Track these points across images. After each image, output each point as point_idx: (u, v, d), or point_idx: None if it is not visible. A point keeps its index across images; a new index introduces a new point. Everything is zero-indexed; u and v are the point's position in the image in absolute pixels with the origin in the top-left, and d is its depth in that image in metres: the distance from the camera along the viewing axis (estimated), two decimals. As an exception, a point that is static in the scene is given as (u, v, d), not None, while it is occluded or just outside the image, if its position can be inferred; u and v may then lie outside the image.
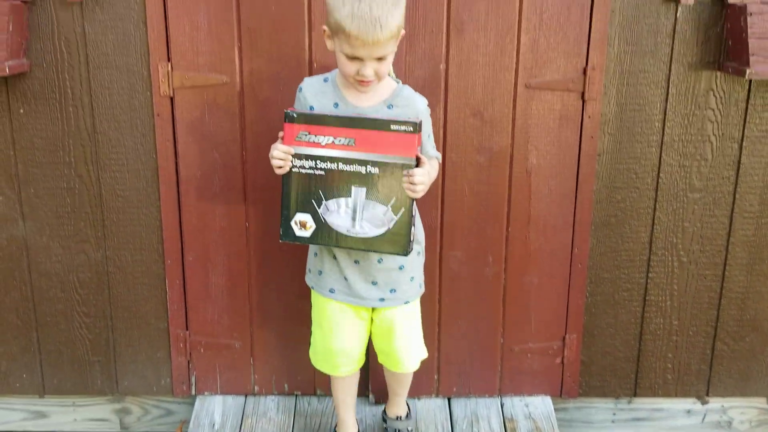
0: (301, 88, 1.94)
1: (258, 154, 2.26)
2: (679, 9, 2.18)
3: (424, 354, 2.15)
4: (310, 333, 2.43)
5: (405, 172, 1.80)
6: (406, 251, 1.88)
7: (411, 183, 1.80)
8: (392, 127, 1.78)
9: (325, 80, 1.93)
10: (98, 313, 2.44)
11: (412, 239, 1.88)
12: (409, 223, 1.85)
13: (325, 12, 1.82)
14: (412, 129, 1.78)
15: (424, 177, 1.82)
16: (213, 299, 2.42)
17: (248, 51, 2.18)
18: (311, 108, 1.90)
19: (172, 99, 2.23)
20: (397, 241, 1.86)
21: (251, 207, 2.32)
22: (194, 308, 2.43)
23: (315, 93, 1.91)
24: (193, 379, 2.49)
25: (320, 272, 2.04)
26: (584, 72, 2.21)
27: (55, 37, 2.18)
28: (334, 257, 2.00)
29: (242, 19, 2.15)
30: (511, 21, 2.16)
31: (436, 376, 2.48)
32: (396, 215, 1.84)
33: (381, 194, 1.83)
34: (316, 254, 2.06)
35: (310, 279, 2.10)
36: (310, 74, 2.19)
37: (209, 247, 2.36)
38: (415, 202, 1.86)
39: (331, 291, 2.03)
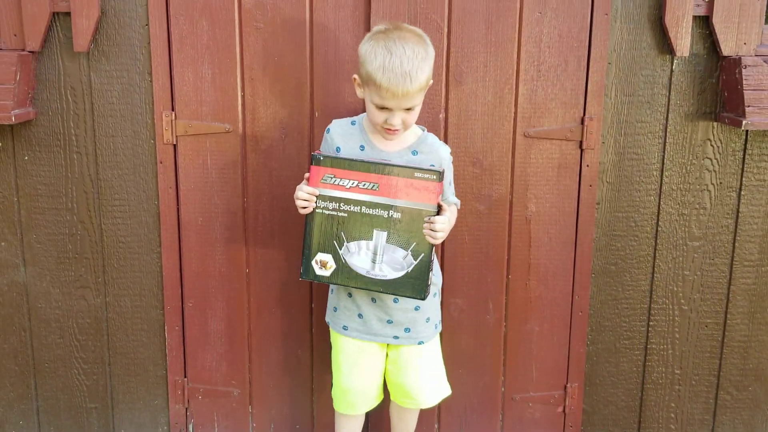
0: (329, 130, 2.00)
1: (259, 201, 2.28)
2: (675, 61, 2.21)
3: (446, 391, 2.14)
4: (309, 380, 2.42)
5: (426, 218, 1.84)
6: (423, 295, 1.91)
7: (432, 230, 1.84)
8: (416, 174, 1.83)
9: (353, 123, 2.00)
10: (97, 360, 2.43)
11: (429, 284, 1.91)
12: (428, 268, 1.89)
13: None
14: (435, 177, 1.82)
15: (445, 225, 1.86)
16: (212, 346, 2.41)
17: (251, 100, 2.21)
18: (338, 149, 1.96)
19: (175, 146, 2.25)
20: (415, 286, 1.89)
21: (252, 253, 2.33)
22: (193, 355, 2.42)
23: (342, 135, 1.97)
24: (190, 427, 2.46)
25: (335, 309, 2.08)
26: (582, 122, 2.24)
27: (61, 86, 2.22)
28: (350, 295, 2.03)
29: (245, 69, 2.19)
30: (509, 72, 2.20)
31: (436, 425, 2.46)
32: (415, 260, 1.88)
33: (402, 239, 1.87)
34: (332, 291, 2.09)
35: (328, 315, 2.13)
36: (312, 123, 2.23)
37: (209, 294, 2.36)
38: (433, 248, 1.90)
39: (345, 328, 2.05)
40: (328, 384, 2.41)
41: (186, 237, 2.32)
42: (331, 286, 2.11)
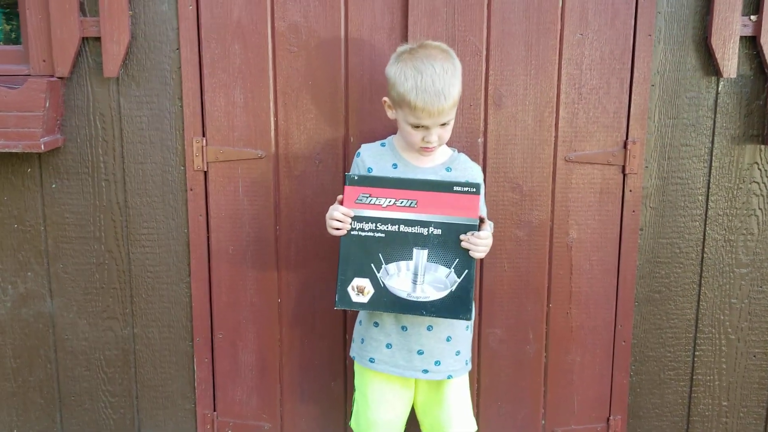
0: (359, 153, 1.97)
1: (291, 228, 2.21)
2: (721, 82, 2.15)
3: (474, 428, 2.05)
4: (343, 415, 2.34)
5: (469, 233, 1.78)
6: (469, 314, 1.81)
7: (475, 243, 1.78)
8: (455, 188, 1.78)
9: (383, 145, 1.97)
10: (124, 393, 2.36)
11: (471, 301, 1.82)
12: (472, 285, 1.81)
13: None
14: (474, 190, 1.77)
15: (489, 238, 1.81)
16: (242, 378, 2.33)
17: (284, 125, 2.16)
18: (369, 169, 1.91)
19: (205, 173, 2.20)
20: (460, 305, 1.81)
21: (284, 283, 2.26)
22: (222, 388, 2.34)
23: (373, 155, 1.94)
24: (219, 463, 2.39)
25: (362, 340, 1.98)
26: (625, 145, 2.17)
27: (90, 113, 2.17)
28: (376, 324, 1.94)
29: (278, 93, 2.14)
30: (550, 95, 2.14)
31: (473, 460, 2.37)
32: (459, 277, 1.80)
33: (443, 256, 1.80)
34: (360, 322, 2.01)
35: (353, 349, 2.04)
36: (346, 149, 2.17)
37: (240, 325, 2.29)
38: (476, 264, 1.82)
39: (371, 360, 1.96)
40: (362, 417, 2.34)
41: (216, 266, 2.25)
42: (359, 318, 2.03)
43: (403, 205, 1.80)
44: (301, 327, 2.29)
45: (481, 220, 1.81)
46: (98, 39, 2.11)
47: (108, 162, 2.21)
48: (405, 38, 2.09)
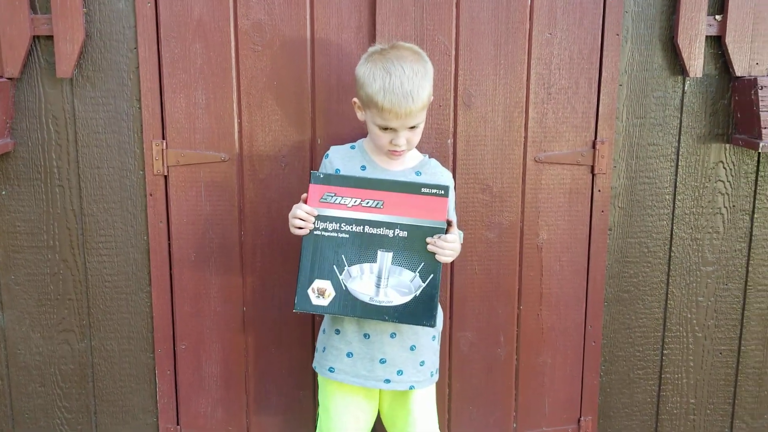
0: (327, 155, 1.91)
1: (257, 234, 2.14)
2: (687, 82, 2.16)
3: None
4: (311, 423, 2.28)
5: (435, 236, 1.73)
6: (432, 321, 1.76)
7: (441, 247, 1.73)
8: (423, 190, 1.73)
9: (352, 147, 1.92)
10: (81, 408, 2.25)
11: (437, 309, 1.77)
12: (437, 290, 1.76)
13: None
14: (443, 192, 1.73)
15: (456, 243, 1.76)
16: (206, 390, 2.25)
17: (248, 127, 2.09)
18: (337, 171, 1.86)
19: (166, 178, 2.11)
20: (424, 311, 1.75)
21: (249, 290, 2.18)
22: (186, 401, 2.25)
23: (341, 157, 1.89)
24: (183, 478, 2.30)
25: (324, 349, 1.91)
26: (594, 145, 2.16)
27: (42, 115, 2.07)
28: (338, 332, 1.87)
29: (242, 94, 2.07)
30: (519, 95, 2.12)
31: (446, 466, 2.34)
32: (424, 282, 1.75)
33: (409, 259, 1.74)
34: (324, 331, 1.94)
35: (315, 359, 1.96)
36: (313, 151, 2.11)
37: (203, 334, 2.21)
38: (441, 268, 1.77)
39: (330, 370, 1.88)
40: (332, 426, 2.28)
41: (178, 274, 2.17)
42: (322, 326, 1.96)
43: (368, 205, 1.75)
44: (267, 336, 2.21)
45: (449, 224, 1.76)
46: (50, 38, 2.00)
47: (62, 167, 2.10)
48: (373, 38, 2.04)
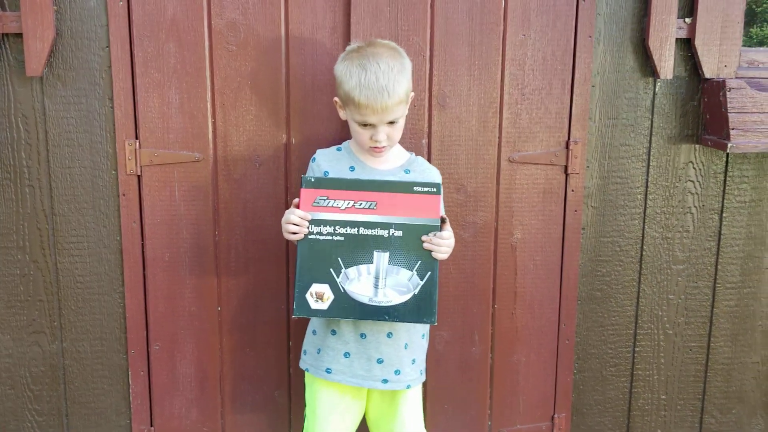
0: (314, 158, 1.91)
1: (231, 234, 2.13)
2: (658, 83, 2.19)
3: None
4: (287, 423, 2.28)
5: (431, 234, 1.74)
6: (433, 317, 1.78)
7: (437, 244, 1.74)
8: (415, 188, 1.74)
9: (339, 149, 1.93)
10: (52, 411, 2.22)
11: (435, 304, 1.78)
12: (436, 287, 1.77)
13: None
14: (435, 190, 1.74)
15: (451, 239, 1.78)
16: (181, 391, 2.23)
17: (222, 127, 2.07)
18: (326, 173, 1.86)
19: (139, 177, 2.09)
20: (424, 307, 1.77)
21: (224, 290, 2.17)
22: (160, 402, 2.23)
23: (329, 160, 1.89)
24: (157, 480, 2.28)
25: (319, 350, 1.91)
26: (567, 146, 2.19)
27: (11, 114, 2.03)
28: (334, 332, 1.87)
29: (216, 94, 2.05)
30: (494, 95, 2.13)
31: (421, 465, 2.34)
32: (422, 280, 1.76)
33: (405, 258, 1.75)
34: (315, 332, 1.94)
35: (305, 361, 1.96)
36: (288, 151, 2.10)
37: (177, 335, 2.19)
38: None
39: (328, 371, 1.88)
40: (307, 426, 2.28)
41: (151, 275, 2.15)
42: (311, 327, 1.97)
43: (362, 207, 1.75)
44: (242, 336, 2.20)
45: (443, 221, 1.78)
46: (19, 35, 1.97)
47: (32, 167, 2.07)
48: (347, 38, 2.04)
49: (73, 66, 2.02)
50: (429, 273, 1.76)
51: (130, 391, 2.22)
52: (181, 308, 2.17)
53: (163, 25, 2.00)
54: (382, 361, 1.87)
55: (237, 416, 2.26)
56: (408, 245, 1.75)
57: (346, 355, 1.87)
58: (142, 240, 2.13)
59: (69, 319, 2.17)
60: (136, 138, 2.06)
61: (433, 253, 1.76)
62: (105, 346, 2.19)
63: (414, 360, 1.92)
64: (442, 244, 1.76)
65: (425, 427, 2.02)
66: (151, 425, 2.24)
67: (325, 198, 1.75)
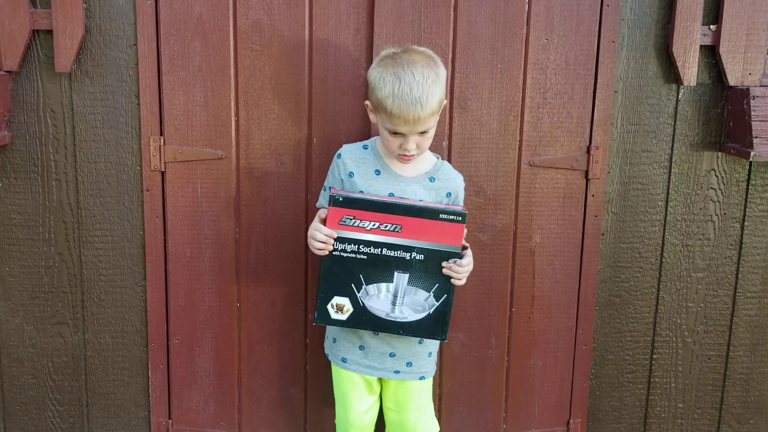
0: (339, 155, 1.92)
1: (252, 231, 2.16)
2: (681, 90, 2.18)
3: (437, 428, 2.05)
4: (302, 419, 2.30)
5: (451, 260, 1.79)
6: (444, 335, 1.86)
7: (457, 272, 1.80)
8: (441, 216, 1.77)
9: (365, 147, 1.92)
10: (73, 401, 2.26)
11: (447, 324, 1.85)
12: (450, 308, 1.83)
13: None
14: (460, 219, 1.77)
15: (471, 266, 1.83)
16: (199, 385, 2.26)
17: (245, 125, 2.10)
18: (351, 174, 1.87)
19: (163, 173, 2.12)
20: (436, 327, 1.84)
21: (243, 287, 2.20)
22: (178, 395, 2.27)
23: (355, 159, 1.90)
24: (174, 472, 2.31)
25: (334, 340, 1.98)
26: (588, 151, 2.18)
27: (40, 109, 2.08)
28: None
29: (240, 92, 2.08)
30: (515, 99, 2.13)
31: (435, 465, 2.35)
32: (437, 301, 1.82)
33: (424, 281, 1.81)
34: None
35: (327, 346, 2.04)
36: (309, 150, 2.12)
37: (197, 329, 2.22)
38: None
39: (343, 360, 1.96)
40: (323, 422, 2.30)
41: (173, 269, 2.18)
42: None
43: (387, 229, 1.78)
44: (260, 332, 2.23)
45: (463, 248, 1.82)
46: (50, 32, 2.02)
47: (59, 161, 2.11)
48: (371, 39, 2.06)
49: (101, 63, 2.06)
50: (445, 296, 1.82)
51: (150, 383, 2.25)
52: (200, 303, 2.20)
53: (190, 24, 2.04)
54: (395, 355, 1.92)
55: (253, 411, 2.28)
56: (428, 269, 1.80)
57: (361, 347, 1.93)
58: (165, 235, 2.16)
59: (91, 311, 2.20)
60: (161, 135, 2.10)
61: (452, 279, 1.81)
62: (126, 338, 2.23)
63: (430, 353, 1.98)
64: (462, 272, 1.80)
65: (439, 426, 2.05)
66: (169, 417, 2.28)
67: (352, 218, 1.78)
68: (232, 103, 2.09)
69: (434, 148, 2.12)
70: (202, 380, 2.26)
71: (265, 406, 2.29)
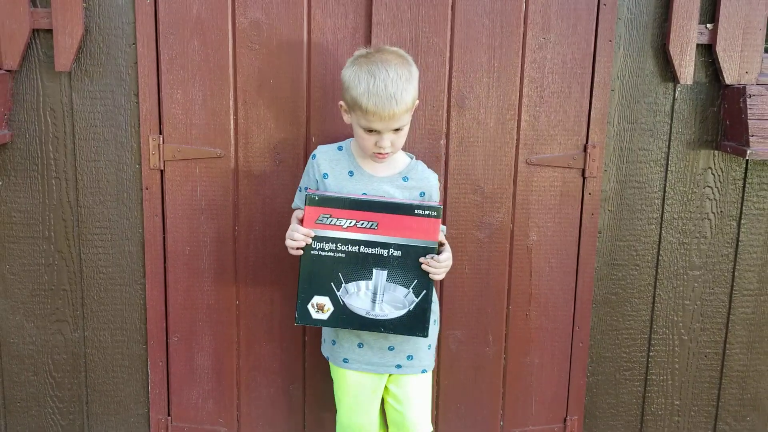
0: (314, 156, 1.93)
1: (251, 229, 2.17)
2: (678, 89, 2.19)
3: (430, 429, 2.06)
4: (301, 417, 2.31)
5: (429, 255, 1.80)
6: (425, 332, 1.86)
7: (434, 267, 1.80)
8: (416, 211, 1.78)
9: (339, 149, 1.94)
10: (73, 398, 2.28)
11: (428, 320, 1.86)
12: (430, 304, 1.84)
13: (339, 87, 1.83)
14: (435, 214, 1.78)
15: (449, 261, 1.84)
16: (198, 382, 2.28)
17: (244, 124, 2.11)
18: (325, 175, 1.89)
19: (162, 172, 2.13)
20: (416, 324, 1.85)
21: (242, 285, 2.21)
22: (177, 392, 2.28)
23: (329, 160, 1.91)
24: (173, 469, 2.33)
25: (334, 342, 1.99)
26: (585, 149, 2.19)
27: (40, 108, 2.09)
28: None
29: (239, 91, 2.09)
30: (512, 97, 2.14)
31: (432, 462, 2.37)
32: (417, 297, 1.83)
33: (403, 277, 1.82)
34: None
35: (325, 349, 2.04)
36: (307, 149, 2.13)
37: (196, 327, 2.24)
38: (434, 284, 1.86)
39: (345, 361, 1.97)
40: (321, 421, 2.31)
41: (172, 267, 2.19)
42: None
43: (363, 226, 1.80)
44: (258, 330, 2.24)
45: (440, 244, 1.83)
46: (50, 31, 2.03)
47: (59, 159, 2.12)
48: (369, 39, 2.07)
49: (100, 62, 2.07)
50: (424, 292, 1.83)
51: (149, 380, 2.27)
52: (199, 301, 2.22)
53: (189, 23, 2.05)
54: (393, 348, 1.94)
55: (252, 409, 2.30)
56: (406, 265, 1.81)
57: (360, 345, 1.94)
58: (164, 233, 2.17)
59: (91, 308, 2.22)
60: (160, 133, 2.11)
61: (430, 274, 1.82)
62: (125, 336, 2.24)
63: (430, 346, 1.99)
64: (439, 267, 1.81)
65: (435, 425, 2.05)
66: (168, 414, 2.29)
67: (328, 216, 1.79)
68: (231, 102, 2.10)
69: (432, 146, 2.14)
70: (201, 377, 2.27)
71: (264, 403, 2.30)
